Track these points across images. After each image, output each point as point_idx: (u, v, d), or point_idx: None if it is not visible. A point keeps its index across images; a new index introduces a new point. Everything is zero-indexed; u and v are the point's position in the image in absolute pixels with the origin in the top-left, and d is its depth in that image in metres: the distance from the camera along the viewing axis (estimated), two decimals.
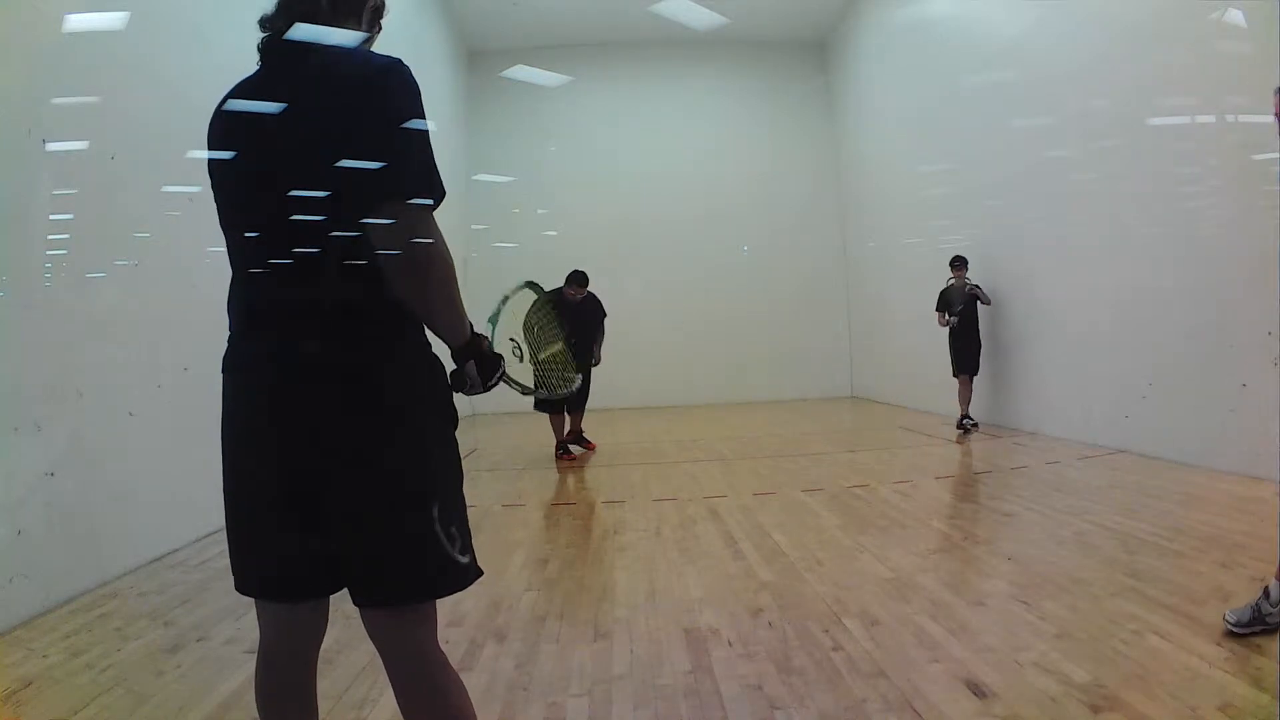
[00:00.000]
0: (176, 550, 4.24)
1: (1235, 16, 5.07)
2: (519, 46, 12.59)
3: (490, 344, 1.55)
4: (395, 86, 1.36)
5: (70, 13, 3.62)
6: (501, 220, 12.64)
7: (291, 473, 1.40)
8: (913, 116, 10.34)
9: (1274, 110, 2.89)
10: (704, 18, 11.43)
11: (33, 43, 3.44)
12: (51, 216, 3.59)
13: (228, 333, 1.50)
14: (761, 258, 13.08)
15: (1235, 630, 2.63)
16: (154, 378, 4.15)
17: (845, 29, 12.59)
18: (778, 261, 13.07)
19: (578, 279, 7.36)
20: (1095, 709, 2.15)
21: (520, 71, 12.32)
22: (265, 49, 1.47)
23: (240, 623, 3.16)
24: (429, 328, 1.46)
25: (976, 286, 7.81)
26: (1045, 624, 2.81)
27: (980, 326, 7.92)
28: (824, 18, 12.71)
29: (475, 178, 12.44)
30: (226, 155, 1.44)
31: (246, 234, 1.43)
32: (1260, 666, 2.34)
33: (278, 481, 1.42)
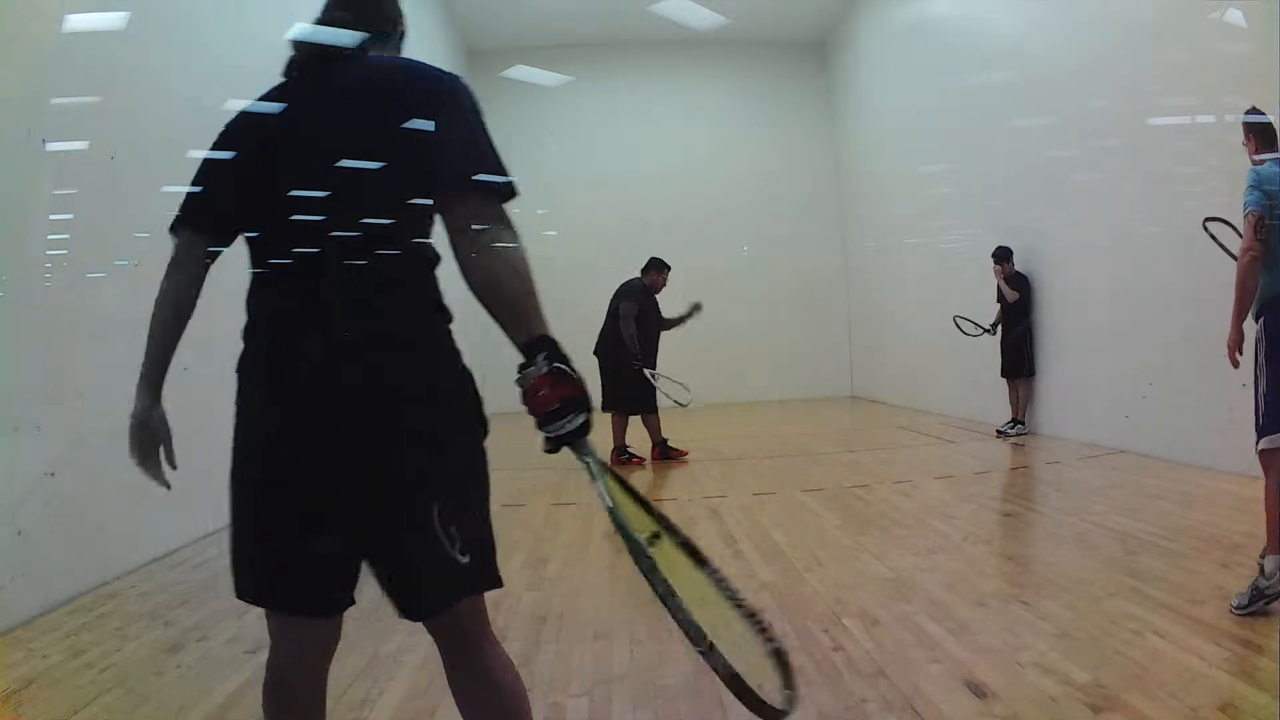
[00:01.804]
0: (176, 550, 4.24)
1: (1235, 16, 5.07)
2: (519, 46, 12.57)
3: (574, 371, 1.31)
4: (465, 95, 1.43)
5: (70, 13, 3.62)
6: None
7: (318, 483, 1.37)
8: (913, 116, 10.33)
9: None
10: (704, 18, 11.42)
11: (33, 43, 3.44)
12: (51, 216, 3.59)
13: (244, 333, 1.45)
14: (761, 258, 13.06)
15: (1239, 612, 2.79)
16: None
17: (845, 29, 12.58)
18: (778, 261, 13.06)
19: (665, 264, 7.12)
20: (1095, 709, 2.15)
21: (520, 71, 12.30)
22: (302, 61, 1.47)
23: (240, 622, 3.16)
24: (508, 321, 1.33)
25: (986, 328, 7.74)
26: (1045, 624, 2.81)
27: (1022, 327, 7.43)
28: (824, 18, 12.70)
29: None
30: (288, 157, 1.41)
31: (295, 234, 1.39)
32: (1260, 666, 2.34)
33: (305, 492, 1.38)
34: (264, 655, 2.81)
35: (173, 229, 1.53)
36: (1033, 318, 7.43)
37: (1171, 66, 5.52)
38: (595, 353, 7.00)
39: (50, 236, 3.58)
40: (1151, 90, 5.73)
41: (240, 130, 1.49)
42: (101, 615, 3.30)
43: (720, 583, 1.35)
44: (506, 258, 1.34)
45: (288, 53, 1.49)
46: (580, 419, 1.27)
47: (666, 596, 1.24)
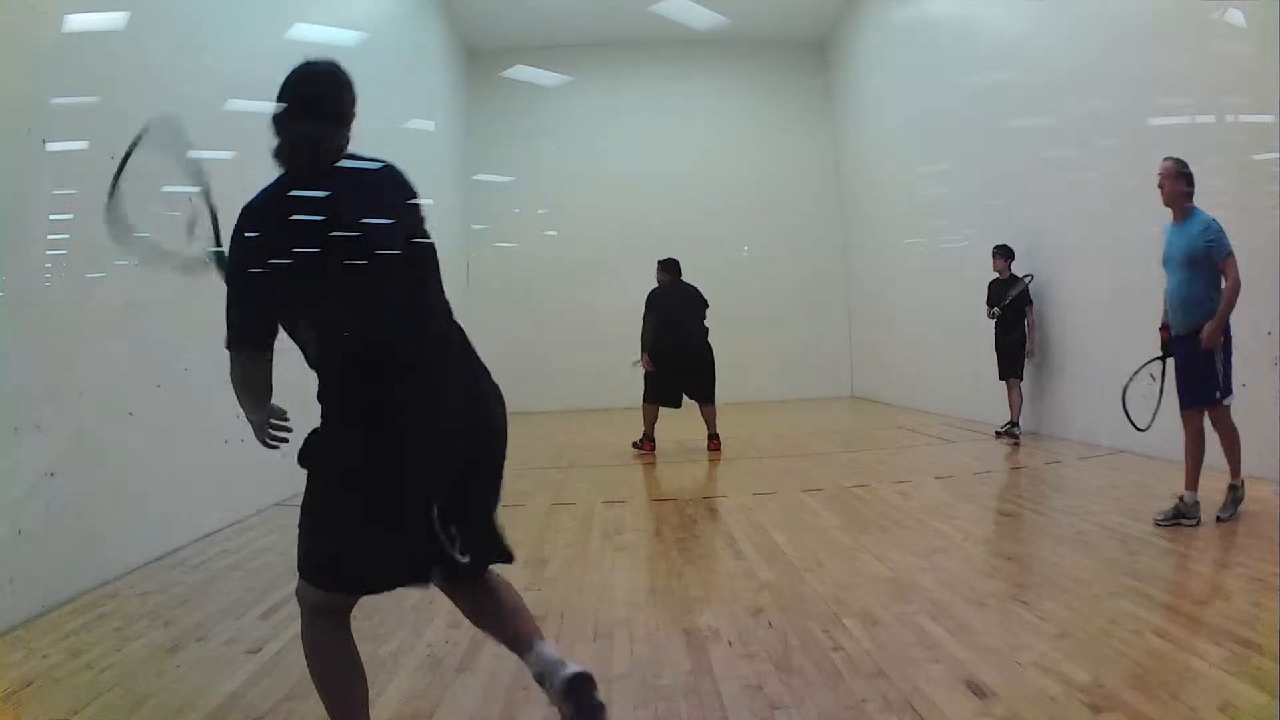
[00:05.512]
0: (176, 550, 4.23)
1: (1235, 16, 5.07)
2: (519, 46, 12.56)
3: None
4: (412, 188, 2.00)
5: (70, 13, 3.62)
6: (501, 220, 12.63)
7: (439, 478, 1.89)
8: (913, 116, 10.33)
9: None
10: (704, 18, 11.41)
11: (33, 43, 3.44)
12: (51, 216, 3.59)
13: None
14: (761, 258, 13.05)
15: (1160, 523, 3.83)
16: (154, 378, 4.15)
17: (845, 29, 12.58)
18: (778, 261, 13.05)
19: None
20: (1095, 709, 2.15)
21: (520, 71, 12.30)
22: (295, 161, 1.89)
23: (240, 622, 3.16)
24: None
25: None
26: (1045, 624, 2.81)
27: (1025, 329, 7.30)
28: (824, 18, 12.69)
29: (475, 178, 12.43)
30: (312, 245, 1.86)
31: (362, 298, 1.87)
32: (1260, 666, 2.34)
33: (423, 486, 1.86)
34: (264, 656, 2.82)
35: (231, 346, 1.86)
36: (1030, 320, 7.40)
37: (1171, 66, 5.52)
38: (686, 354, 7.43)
39: (50, 236, 3.58)
40: (1151, 90, 5.73)
41: (278, 224, 1.86)
42: (101, 615, 3.30)
43: None
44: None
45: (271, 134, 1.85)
46: None
47: None
